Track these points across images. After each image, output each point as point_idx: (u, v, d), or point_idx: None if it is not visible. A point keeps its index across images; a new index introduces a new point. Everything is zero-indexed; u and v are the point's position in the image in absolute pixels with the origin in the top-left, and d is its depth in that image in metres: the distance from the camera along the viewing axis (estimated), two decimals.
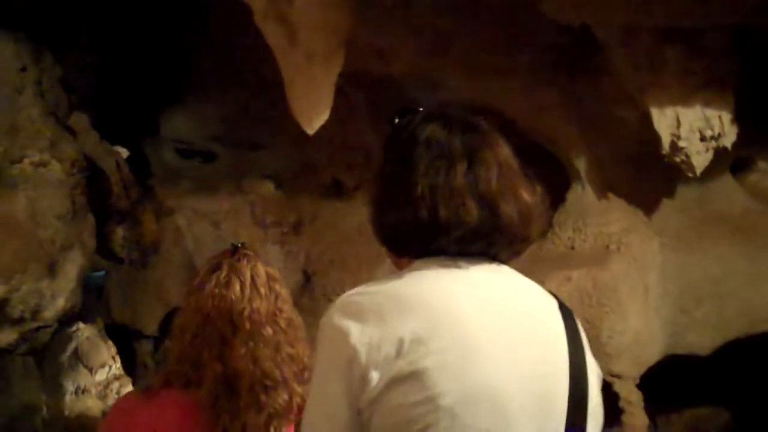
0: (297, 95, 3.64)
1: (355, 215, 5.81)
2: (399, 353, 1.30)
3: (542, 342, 1.42)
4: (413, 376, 1.29)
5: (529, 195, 1.46)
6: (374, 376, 1.30)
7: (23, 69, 4.61)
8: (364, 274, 5.52)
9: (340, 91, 3.97)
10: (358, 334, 1.32)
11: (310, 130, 3.60)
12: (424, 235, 1.42)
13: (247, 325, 1.82)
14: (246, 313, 1.83)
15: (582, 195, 5.02)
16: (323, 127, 3.88)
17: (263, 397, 1.79)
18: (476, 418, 1.29)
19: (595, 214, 4.97)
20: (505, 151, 1.49)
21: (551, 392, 1.38)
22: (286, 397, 1.82)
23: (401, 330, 1.31)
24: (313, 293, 5.73)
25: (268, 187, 6.15)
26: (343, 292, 4.79)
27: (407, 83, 5.09)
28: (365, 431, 1.33)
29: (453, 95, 4.99)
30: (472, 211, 1.39)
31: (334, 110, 3.86)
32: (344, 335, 1.33)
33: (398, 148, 1.50)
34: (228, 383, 1.77)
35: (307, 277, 5.81)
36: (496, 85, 4.77)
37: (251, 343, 1.81)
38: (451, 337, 1.32)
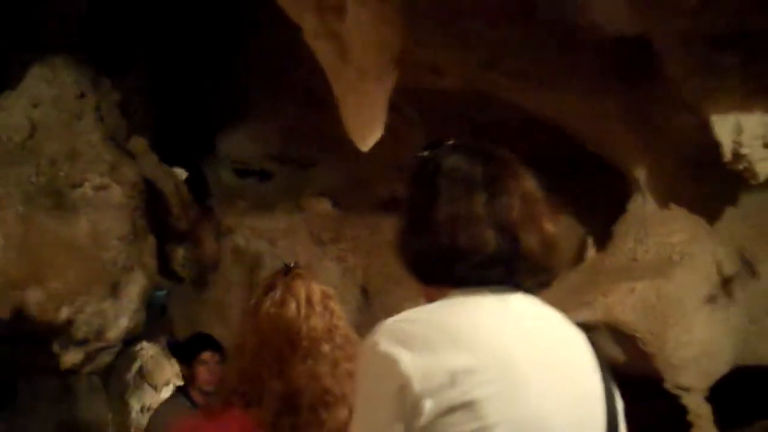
0: (350, 113, 3.63)
1: None
2: (452, 383, 1.29)
3: (579, 371, 1.46)
4: (466, 407, 1.29)
5: (553, 225, 1.49)
6: (427, 404, 1.29)
7: (82, 95, 4.73)
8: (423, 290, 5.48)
9: (393, 107, 3.96)
10: (409, 361, 1.31)
11: (364, 147, 3.60)
12: (444, 261, 1.43)
13: (305, 343, 1.82)
14: (303, 331, 1.83)
15: (643, 205, 4.92)
16: (378, 143, 3.87)
17: (324, 414, 1.78)
18: None
19: (657, 224, 4.86)
20: (528, 181, 1.51)
21: (591, 420, 1.43)
22: (345, 413, 1.79)
23: (452, 360, 1.31)
24: (371, 309, 5.71)
25: (325, 205, 6.16)
26: (402, 307, 4.74)
27: (461, 98, 5.06)
28: None
29: (508, 108, 4.95)
30: (490, 240, 1.41)
31: (389, 125, 3.84)
32: (394, 362, 1.32)
33: (423, 179, 1.51)
34: (289, 401, 1.77)
35: (366, 294, 5.80)
36: (552, 96, 4.71)
37: (309, 361, 1.81)
38: (500, 367, 1.33)
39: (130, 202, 4.70)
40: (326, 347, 1.84)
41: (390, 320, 1.41)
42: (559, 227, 1.49)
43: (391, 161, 5.85)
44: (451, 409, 1.29)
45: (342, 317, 1.94)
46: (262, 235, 6.09)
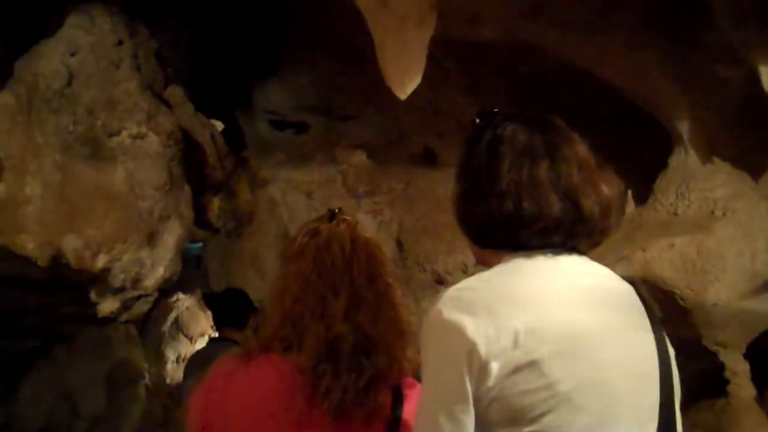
0: (389, 60, 3.59)
1: (448, 183, 5.69)
2: (516, 344, 1.37)
3: (633, 325, 1.53)
4: (530, 366, 1.37)
5: (608, 188, 1.56)
6: (494, 367, 1.37)
7: (119, 43, 4.71)
8: (458, 243, 5.46)
9: (431, 58, 3.90)
10: (474, 327, 1.39)
11: (403, 95, 3.56)
12: (509, 227, 1.51)
13: (348, 290, 1.81)
14: (346, 278, 1.82)
15: (685, 159, 4.81)
16: (414, 95, 3.83)
17: (364, 361, 1.77)
18: (591, 401, 1.39)
19: (700, 179, 4.76)
20: (582, 148, 1.58)
21: (646, 371, 1.50)
22: (386, 360, 1.79)
23: (514, 322, 1.38)
24: (406, 262, 5.70)
25: (360, 157, 6.13)
26: (437, 261, 4.79)
27: (500, 49, 4.98)
28: (480, 421, 1.40)
29: (548, 60, 4.87)
30: (555, 204, 1.49)
31: (425, 77, 3.80)
32: (460, 329, 1.39)
33: (482, 146, 1.59)
34: (330, 346, 1.76)
35: (401, 247, 5.78)
36: (594, 48, 4.61)
37: (352, 308, 1.80)
38: (559, 326, 1.41)
39: (166, 151, 4.70)
40: (369, 295, 1.83)
41: (451, 289, 1.48)
42: (615, 189, 1.56)
43: (428, 114, 5.81)
44: (517, 369, 1.37)
45: (385, 264, 1.93)
46: (297, 187, 6.08)
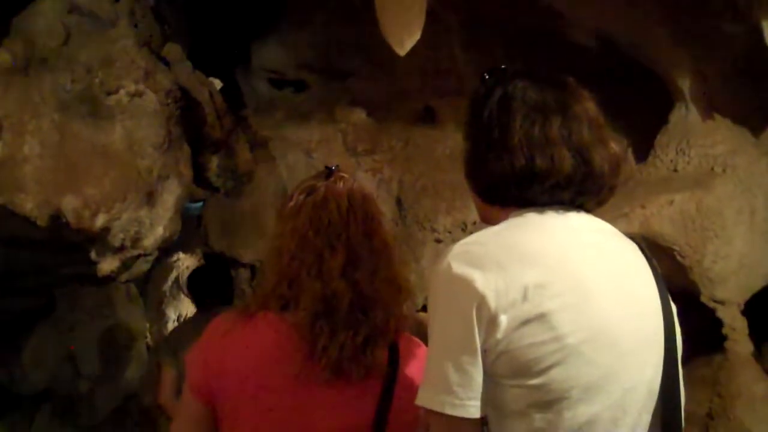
0: (388, 16, 3.56)
1: (448, 142, 5.71)
2: (525, 298, 1.39)
3: (637, 281, 1.57)
4: (539, 319, 1.39)
5: (618, 146, 1.61)
6: (503, 319, 1.39)
7: (117, 0, 4.65)
8: (458, 202, 5.46)
9: (430, 14, 3.87)
10: (483, 281, 1.41)
11: (402, 51, 3.53)
12: (520, 183, 1.53)
13: (345, 247, 1.81)
14: (343, 235, 1.82)
15: (686, 115, 4.80)
16: (414, 53, 3.80)
17: (361, 317, 1.78)
18: (598, 353, 1.43)
19: (700, 135, 4.74)
20: (592, 105, 1.60)
21: (651, 326, 1.54)
22: (383, 317, 1.80)
23: (523, 277, 1.41)
24: (405, 221, 5.70)
25: (360, 115, 6.09)
26: (436, 219, 4.79)
27: (500, 3, 4.93)
28: (488, 373, 1.43)
29: (548, 14, 4.82)
30: (566, 160, 1.51)
31: (425, 34, 3.77)
32: (469, 282, 1.42)
33: (493, 103, 1.60)
34: (326, 303, 1.76)
35: (400, 205, 5.78)
36: (594, 1, 4.58)
37: (349, 265, 1.80)
38: (568, 280, 1.44)
39: (164, 109, 4.65)
40: (365, 252, 1.83)
41: (459, 244, 1.51)
42: (622, 148, 1.56)
43: (428, 72, 5.77)
44: (526, 322, 1.40)
45: (382, 222, 1.93)
46: (297, 145, 6.06)
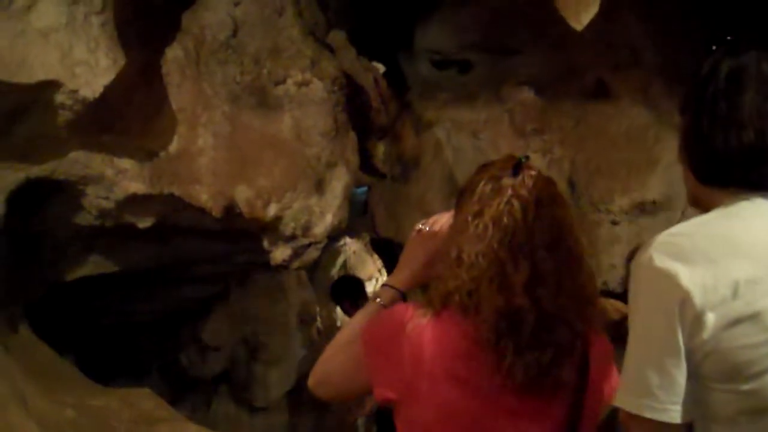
0: None
1: (623, 119, 5.43)
2: (735, 294, 1.27)
3: None
4: (753, 318, 1.26)
5: None
6: (710, 318, 1.27)
7: None
8: (633, 182, 5.20)
9: None
10: (688, 275, 1.29)
11: (579, 25, 3.35)
12: (747, 161, 1.39)
13: (528, 261, 1.67)
14: (527, 247, 1.68)
15: None
16: (586, 26, 3.60)
17: (546, 338, 1.65)
18: None
19: None
20: None
21: None
22: (569, 336, 1.67)
23: (734, 271, 1.28)
24: (579, 202, 5.48)
25: (528, 94, 5.88)
26: (612, 200, 4.51)
27: None
28: (693, 375, 1.32)
29: None
30: None
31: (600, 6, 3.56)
32: (672, 277, 1.30)
33: (721, 75, 1.46)
34: (509, 319, 1.64)
35: (573, 187, 5.55)
36: None
37: (532, 281, 1.66)
38: None
39: (331, 97, 4.67)
40: (549, 264, 1.68)
41: (664, 234, 1.39)
42: None
43: (600, 45, 5.50)
44: (736, 321, 1.27)
45: (569, 225, 1.77)
46: (463, 127, 5.92)
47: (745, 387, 1.29)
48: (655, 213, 5.17)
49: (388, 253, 7.26)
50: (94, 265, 4.74)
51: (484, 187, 1.76)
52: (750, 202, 1.40)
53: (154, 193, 4.04)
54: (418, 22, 6.30)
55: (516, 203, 1.70)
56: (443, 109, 6.04)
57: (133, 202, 4.06)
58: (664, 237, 1.39)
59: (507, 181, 1.74)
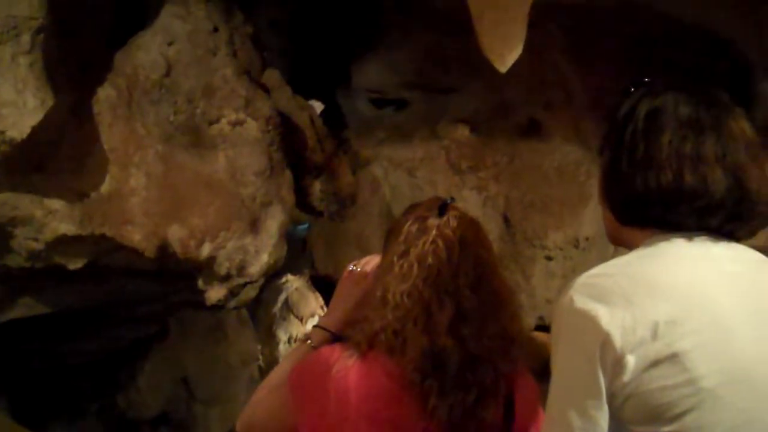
0: (487, 31, 3.44)
1: (555, 155, 5.54)
2: (655, 336, 1.28)
3: None
4: (671, 359, 1.27)
5: None
6: (630, 360, 1.28)
7: (215, 30, 4.69)
8: (567, 217, 5.30)
9: (532, 25, 3.74)
10: (608, 317, 1.30)
11: (503, 67, 3.40)
12: (665, 202, 1.41)
13: (453, 300, 1.71)
14: (451, 287, 1.71)
15: None
16: (517, 64, 3.67)
17: (470, 378, 1.68)
18: (737, 398, 1.29)
19: None
20: (747, 124, 1.48)
21: None
22: (492, 376, 1.70)
23: (654, 312, 1.29)
24: (514, 238, 5.55)
25: (463, 132, 5.96)
26: (546, 236, 4.59)
27: (607, 10, 4.75)
28: (615, 418, 1.32)
29: (654, 19, 4.63)
30: (720, 181, 1.39)
31: (528, 45, 3.64)
32: (593, 319, 1.31)
33: (640, 116, 1.48)
34: (434, 360, 1.67)
35: (507, 223, 5.62)
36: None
37: (456, 321, 1.70)
38: (705, 317, 1.31)
39: (265, 136, 4.67)
40: (473, 303, 1.72)
41: (584, 275, 1.39)
42: None
43: (532, 83, 5.61)
44: (656, 363, 1.28)
45: (493, 266, 1.81)
46: (400, 165, 5.98)
47: (666, 429, 1.30)
48: (589, 248, 5.26)
49: (328, 290, 7.25)
50: (25, 308, 4.63)
51: (410, 228, 1.79)
52: (670, 243, 1.42)
53: (84, 234, 3.97)
54: (355, 60, 6.36)
55: (441, 243, 1.73)
56: (380, 147, 6.09)
57: (64, 243, 3.98)
58: (585, 278, 1.39)
59: (432, 221, 1.77)
